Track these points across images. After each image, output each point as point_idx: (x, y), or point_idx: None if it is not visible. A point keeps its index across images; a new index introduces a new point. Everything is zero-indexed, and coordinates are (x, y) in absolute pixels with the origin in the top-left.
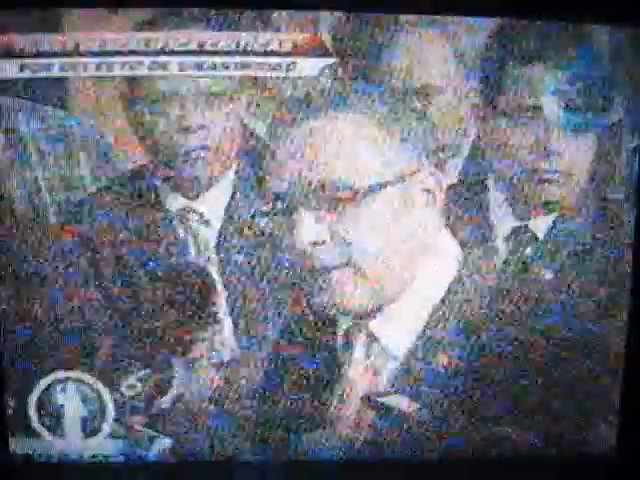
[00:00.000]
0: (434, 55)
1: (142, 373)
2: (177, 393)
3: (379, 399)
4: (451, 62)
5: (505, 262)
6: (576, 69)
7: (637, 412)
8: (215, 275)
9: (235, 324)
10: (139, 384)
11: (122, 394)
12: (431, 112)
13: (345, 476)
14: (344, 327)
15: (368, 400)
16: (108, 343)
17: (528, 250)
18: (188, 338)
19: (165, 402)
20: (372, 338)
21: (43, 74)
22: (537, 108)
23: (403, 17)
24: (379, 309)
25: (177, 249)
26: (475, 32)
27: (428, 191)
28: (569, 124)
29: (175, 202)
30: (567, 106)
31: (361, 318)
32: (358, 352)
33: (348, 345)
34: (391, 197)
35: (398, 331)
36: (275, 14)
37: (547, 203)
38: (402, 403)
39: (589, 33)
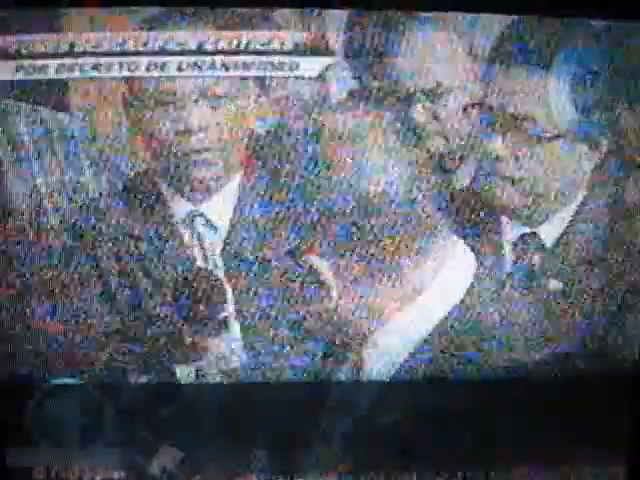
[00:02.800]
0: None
1: (144, 379)
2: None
3: None
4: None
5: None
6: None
7: None
8: (223, 280)
9: (244, 330)
10: (141, 393)
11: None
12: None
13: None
14: None
15: None
16: (110, 350)
17: (536, 258)
18: (196, 345)
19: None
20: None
21: (39, 76)
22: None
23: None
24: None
25: (184, 254)
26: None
27: None
28: (577, 127)
29: (181, 206)
30: (576, 108)
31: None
32: None
33: None
34: None
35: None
36: (277, 12)
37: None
38: None
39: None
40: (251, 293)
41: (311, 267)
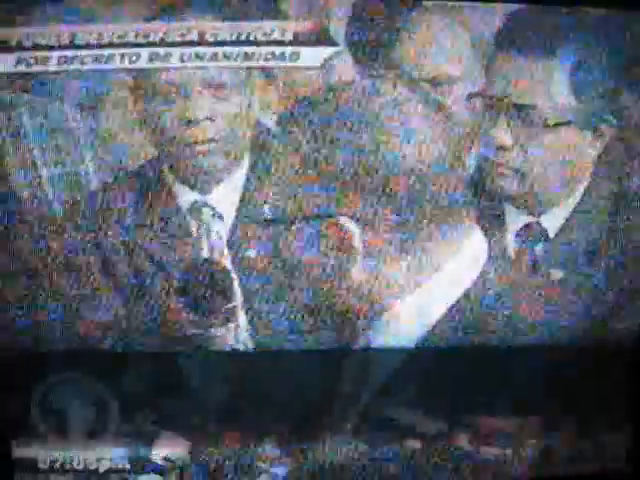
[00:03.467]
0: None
1: (147, 370)
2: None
3: None
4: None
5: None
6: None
7: None
8: (230, 269)
9: (251, 319)
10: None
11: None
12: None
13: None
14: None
15: None
16: (113, 341)
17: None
18: (203, 335)
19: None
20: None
21: (40, 68)
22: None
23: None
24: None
25: (190, 244)
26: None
27: None
28: (580, 115)
29: (186, 196)
30: (579, 95)
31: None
32: None
33: None
34: None
35: None
36: (279, 2)
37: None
38: None
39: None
40: (259, 282)
41: (342, 229)
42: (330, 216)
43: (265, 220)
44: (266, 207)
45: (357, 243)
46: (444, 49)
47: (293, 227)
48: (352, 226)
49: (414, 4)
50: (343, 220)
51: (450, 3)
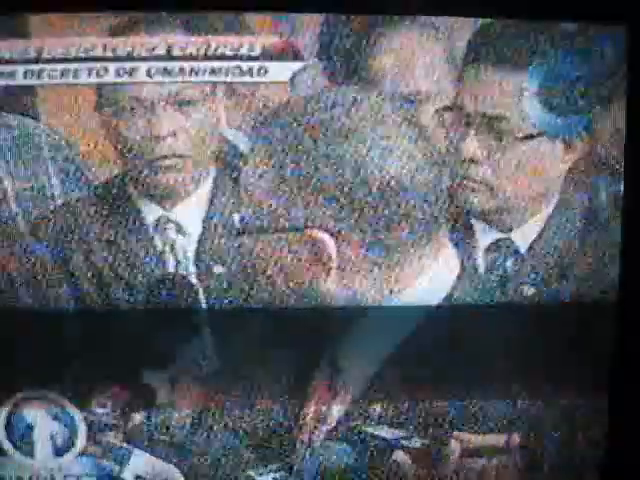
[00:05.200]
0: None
1: (115, 390)
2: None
3: None
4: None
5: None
6: (559, 70)
7: None
8: (195, 286)
9: (216, 336)
10: (110, 400)
11: (93, 412)
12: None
13: None
14: None
15: None
16: (80, 359)
17: (509, 263)
18: (168, 351)
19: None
20: None
21: (5, 81)
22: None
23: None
24: None
25: (155, 261)
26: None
27: None
28: (551, 128)
29: (151, 212)
30: (550, 109)
31: None
32: None
33: None
34: None
35: None
36: (246, 17)
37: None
38: None
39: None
40: (226, 295)
41: (316, 241)
42: (301, 229)
43: (235, 231)
44: (235, 217)
45: (331, 256)
46: (416, 64)
47: (263, 239)
48: (326, 238)
49: (385, 19)
50: (315, 232)
51: (422, 18)
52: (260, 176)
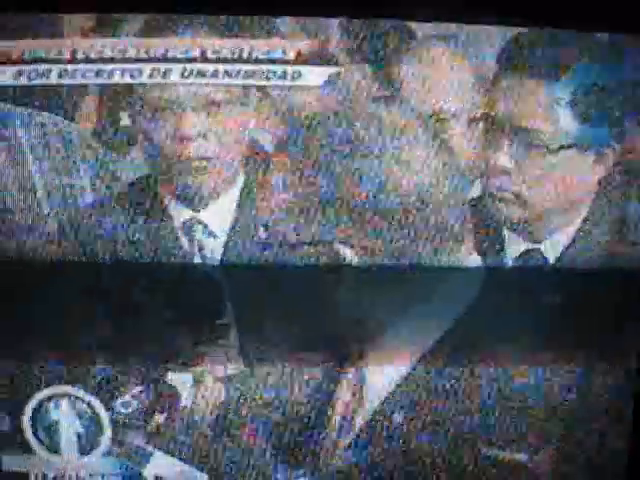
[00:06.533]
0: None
1: (139, 389)
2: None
3: None
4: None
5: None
6: (591, 81)
7: None
8: (222, 288)
9: (242, 338)
10: (135, 401)
11: (118, 411)
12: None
13: None
14: None
15: None
16: (106, 358)
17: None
18: (193, 352)
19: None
20: None
21: (40, 81)
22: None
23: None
24: None
25: (183, 261)
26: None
27: None
28: (582, 139)
29: (180, 213)
30: (582, 120)
31: None
32: None
33: None
34: None
35: None
36: (280, 20)
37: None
38: None
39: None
40: (251, 299)
41: (338, 254)
42: (326, 242)
43: (259, 243)
44: (261, 230)
45: (353, 269)
46: (445, 76)
47: (287, 250)
48: (348, 252)
49: (416, 32)
50: (338, 246)
51: (450, 31)
52: (285, 184)
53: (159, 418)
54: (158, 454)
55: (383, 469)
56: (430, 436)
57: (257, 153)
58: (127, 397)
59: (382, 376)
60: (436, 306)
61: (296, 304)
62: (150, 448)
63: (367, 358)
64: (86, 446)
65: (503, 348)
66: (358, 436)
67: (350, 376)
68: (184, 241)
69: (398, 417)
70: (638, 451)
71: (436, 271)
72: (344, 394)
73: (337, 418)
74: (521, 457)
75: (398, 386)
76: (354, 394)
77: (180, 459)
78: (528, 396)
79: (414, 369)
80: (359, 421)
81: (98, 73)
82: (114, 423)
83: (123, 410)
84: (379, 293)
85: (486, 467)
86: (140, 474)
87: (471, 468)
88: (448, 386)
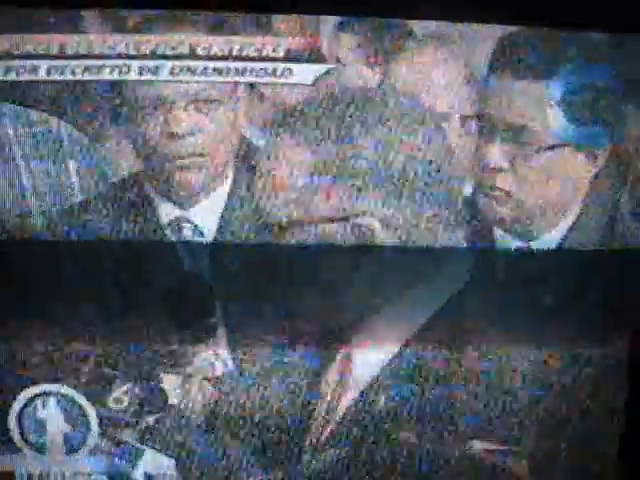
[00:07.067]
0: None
1: (129, 386)
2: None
3: None
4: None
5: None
6: (583, 80)
7: None
8: (210, 286)
9: (231, 337)
10: (125, 398)
11: (108, 408)
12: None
13: None
14: None
15: None
16: (94, 356)
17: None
18: (182, 351)
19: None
20: None
21: (29, 77)
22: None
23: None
24: None
25: (171, 259)
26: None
27: None
28: (574, 138)
29: (168, 211)
30: (574, 119)
31: None
32: None
33: None
34: None
35: None
36: (271, 17)
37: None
38: None
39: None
40: (240, 297)
41: (361, 227)
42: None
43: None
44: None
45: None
46: (437, 75)
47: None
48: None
49: (408, 30)
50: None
51: (443, 31)
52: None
53: (150, 417)
54: (149, 452)
55: (367, 463)
56: (416, 423)
57: (247, 149)
58: (117, 394)
59: (369, 360)
60: (425, 289)
61: (285, 289)
62: (141, 446)
63: (355, 341)
64: (73, 445)
65: (490, 333)
66: (341, 423)
67: (339, 357)
68: (172, 238)
69: (382, 402)
70: (631, 436)
71: (426, 252)
72: (332, 377)
73: (323, 406)
74: (507, 445)
75: (384, 370)
76: (341, 378)
77: (171, 457)
78: (515, 380)
79: (401, 352)
80: (344, 406)
81: (87, 69)
82: (103, 421)
83: (114, 407)
84: (373, 274)
85: (472, 454)
86: (129, 473)
87: (457, 455)
88: (434, 371)
